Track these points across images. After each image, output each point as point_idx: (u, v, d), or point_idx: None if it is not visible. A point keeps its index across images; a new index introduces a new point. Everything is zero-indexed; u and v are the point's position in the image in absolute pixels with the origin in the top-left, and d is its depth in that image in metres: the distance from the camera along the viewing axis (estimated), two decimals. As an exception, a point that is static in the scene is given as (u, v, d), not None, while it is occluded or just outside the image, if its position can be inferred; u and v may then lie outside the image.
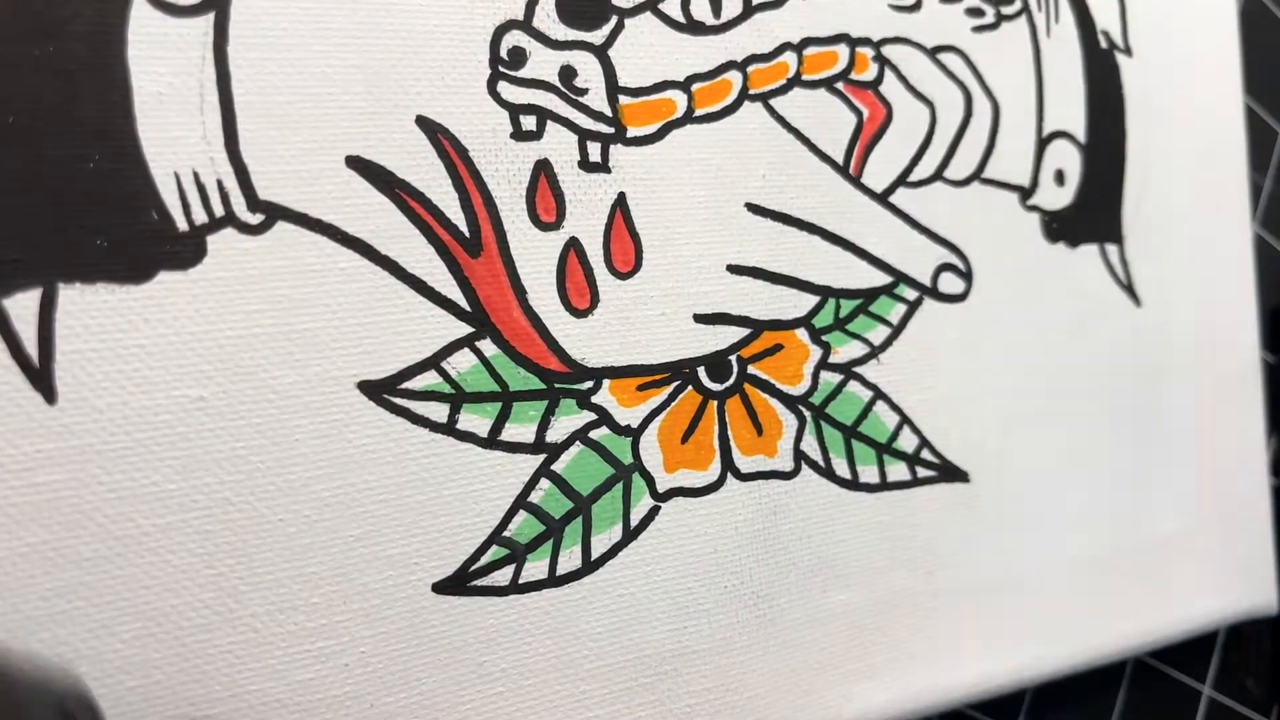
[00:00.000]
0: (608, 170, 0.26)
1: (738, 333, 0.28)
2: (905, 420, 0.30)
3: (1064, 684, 0.32)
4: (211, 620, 0.22)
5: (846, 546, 0.29)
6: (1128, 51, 0.34)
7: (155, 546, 0.21)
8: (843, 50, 0.29)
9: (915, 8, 0.30)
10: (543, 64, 0.25)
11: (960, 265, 0.31)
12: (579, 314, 0.25)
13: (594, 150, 0.26)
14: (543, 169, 0.25)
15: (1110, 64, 0.34)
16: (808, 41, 0.29)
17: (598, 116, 0.26)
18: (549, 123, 0.25)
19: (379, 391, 0.23)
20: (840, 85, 0.29)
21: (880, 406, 0.29)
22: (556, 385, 0.25)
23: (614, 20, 0.26)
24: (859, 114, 0.29)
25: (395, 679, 0.23)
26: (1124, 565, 0.33)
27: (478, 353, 0.24)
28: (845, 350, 0.29)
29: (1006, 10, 0.31)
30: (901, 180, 0.30)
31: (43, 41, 0.20)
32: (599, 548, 0.25)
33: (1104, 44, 0.34)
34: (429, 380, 0.24)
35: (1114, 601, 0.33)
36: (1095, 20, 0.34)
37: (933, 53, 0.30)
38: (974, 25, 0.31)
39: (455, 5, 0.24)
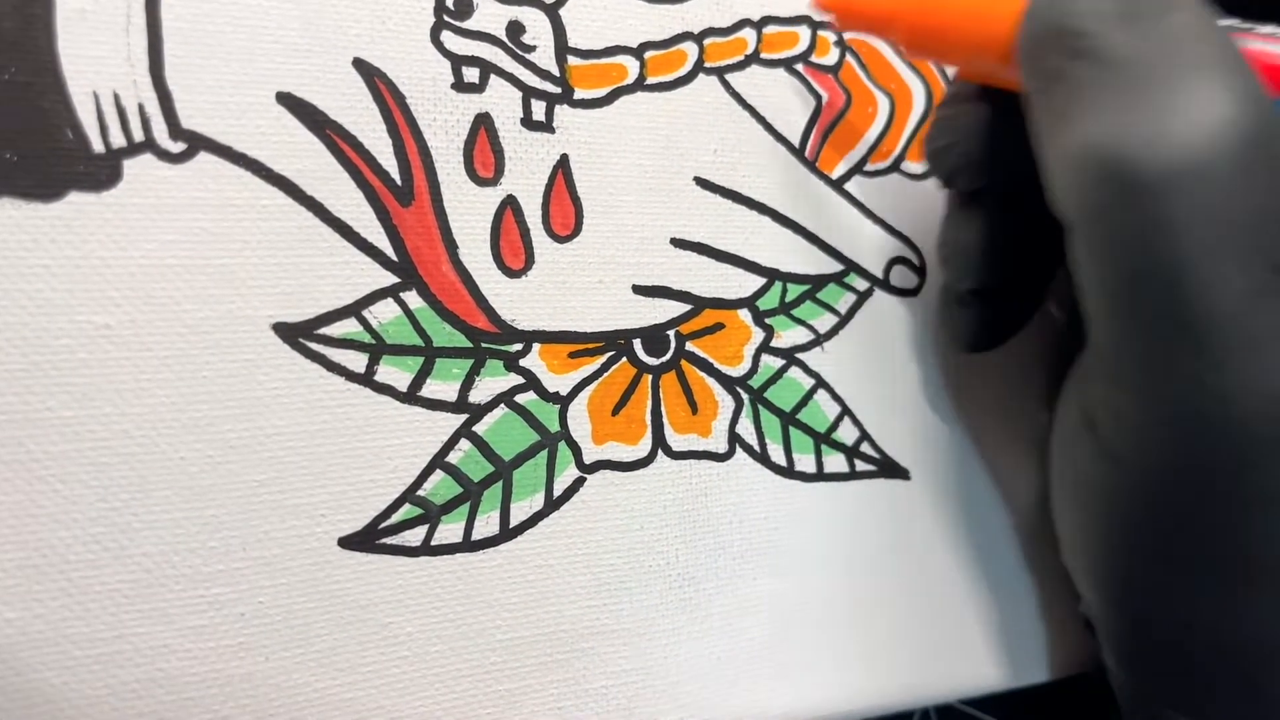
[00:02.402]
0: (551, 130, 0.25)
1: (678, 308, 0.27)
2: (846, 411, 0.29)
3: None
4: (100, 556, 0.21)
5: (779, 535, 0.28)
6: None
7: (45, 475, 0.20)
8: (804, 32, 0.29)
9: (877, -9, 0.29)
10: (490, 17, 0.25)
11: (914, 259, 0.30)
12: (512, 274, 0.25)
13: (538, 109, 0.25)
14: (483, 123, 0.25)
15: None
16: (768, 20, 0.28)
17: (544, 75, 0.25)
18: (493, 77, 0.25)
19: (295, 335, 0.22)
20: (800, 67, 0.29)
21: (821, 395, 0.29)
22: (483, 345, 0.25)
23: (567, -21, 0.25)
24: (818, 97, 0.29)
25: (294, 633, 0.22)
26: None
27: (401, 304, 0.24)
28: (789, 335, 0.28)
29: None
30: (858, 168, 0.30)
31: (-38, -54, 0.20)
32: (518, 515, 0.25)
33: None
34: (348, 328, 0.23)
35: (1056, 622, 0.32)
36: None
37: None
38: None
39: (402, -50, 0.23)
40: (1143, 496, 0.18)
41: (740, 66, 0.28)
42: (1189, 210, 0.16)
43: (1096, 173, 0.17)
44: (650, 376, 0.27)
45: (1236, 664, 0.19)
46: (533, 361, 0.25)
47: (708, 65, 0.27)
